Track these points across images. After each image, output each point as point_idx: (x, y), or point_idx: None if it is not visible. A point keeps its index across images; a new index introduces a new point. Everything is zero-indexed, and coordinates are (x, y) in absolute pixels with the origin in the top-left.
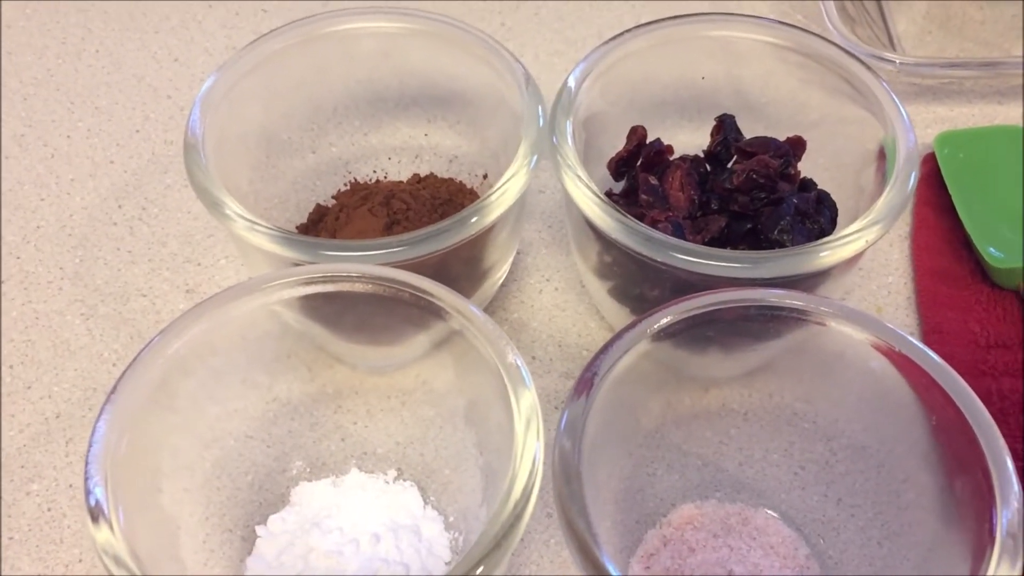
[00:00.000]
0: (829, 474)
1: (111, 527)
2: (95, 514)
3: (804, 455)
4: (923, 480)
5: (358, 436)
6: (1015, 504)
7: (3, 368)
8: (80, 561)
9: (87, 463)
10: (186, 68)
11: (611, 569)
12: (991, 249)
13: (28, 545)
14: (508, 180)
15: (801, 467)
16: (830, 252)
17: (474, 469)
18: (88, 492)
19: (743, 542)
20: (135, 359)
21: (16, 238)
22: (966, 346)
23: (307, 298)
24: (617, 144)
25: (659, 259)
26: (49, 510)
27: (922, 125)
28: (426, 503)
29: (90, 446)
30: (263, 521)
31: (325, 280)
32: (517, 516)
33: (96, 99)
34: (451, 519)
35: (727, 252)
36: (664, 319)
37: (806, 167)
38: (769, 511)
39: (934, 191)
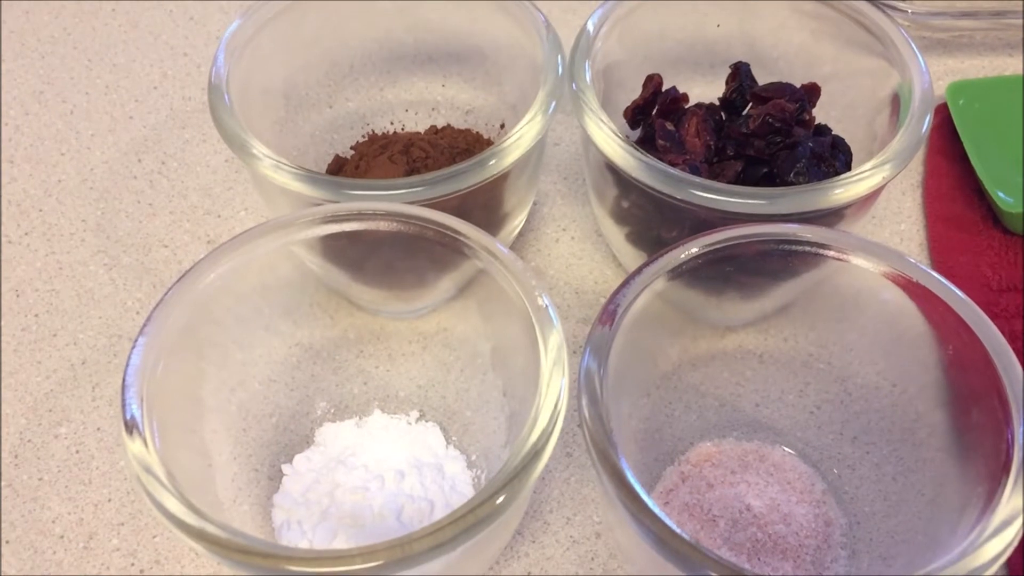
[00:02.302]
0: (844, 413)
1: (145, 442)
2: (130, 427)
3: (820, 395)
4: (937, 417)
5: (380, 379)
6: None
7: (29, 316)
8: (109, 501)
9: (124, 382)
10: (202, 26)
11: (630, 476)
12: (1002, 194)
13: (57, 486)
14: (526, 124)
15: (817, 407)
16: (844, 189)
17: (496, 412)
18: (124, 406)
19: (760, 478)
20: (167, 293)
21: (38, 192)
22: (978, 290)
23: (330, 240)
24: (633, 98)
25: (678, 196)
26: (77, 452)
27: (933, 77)
28: (448, 443)
29: (127, 368)
30: (289, 461)
31: (348, 218)
32: (541, 447)
33: (113, 57)
34: (473, 458)
35: (744, 188)
36: (684, 253)
37: (820, 119)
38: (786, 448)
39: (946, 140)
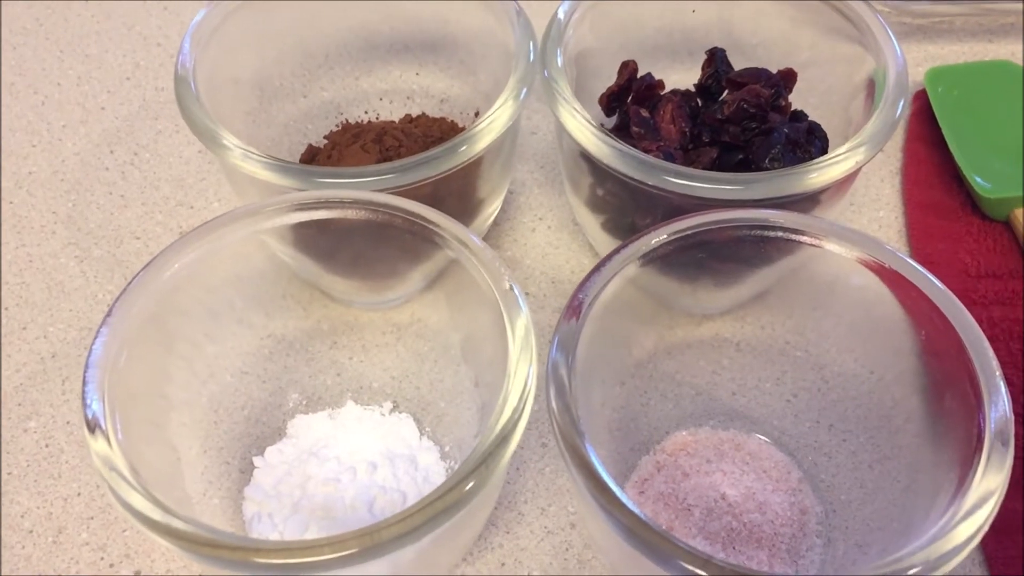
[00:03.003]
0: (821, 401)
1: (107, 439)
2: (92, 425)
3: (796, 384)
4: (913, 404)
5: (353, 371)
6: (1003, 406)
7: None
8: (79, 495)
9: (85, 377)
10: (175, 16)
11: (598, 467)
12: (980, 180)
13: (27, 480)
14: (497, 110)
15: (793, 395)
16: (819, 173)
17: (469, 403)
18: (85, 403)
19: (736, 467)
20: (131, 282)
21: (9, 183)
22: (957, 276)
23: (300, 229)
24: (608, 85)
25: (651, 182)
26: (47, 446)
27: (913, 63)
28: (422, 434)
29: (88, 360)
30: (261, 453)
31: (317, 205)
32: (509, 432)
33: (86, 47)
34: (447, 449)
35: (718, 174)
36: (654, 239)
37: (796, 106)
38: (762, 437)
39: (925, 127)
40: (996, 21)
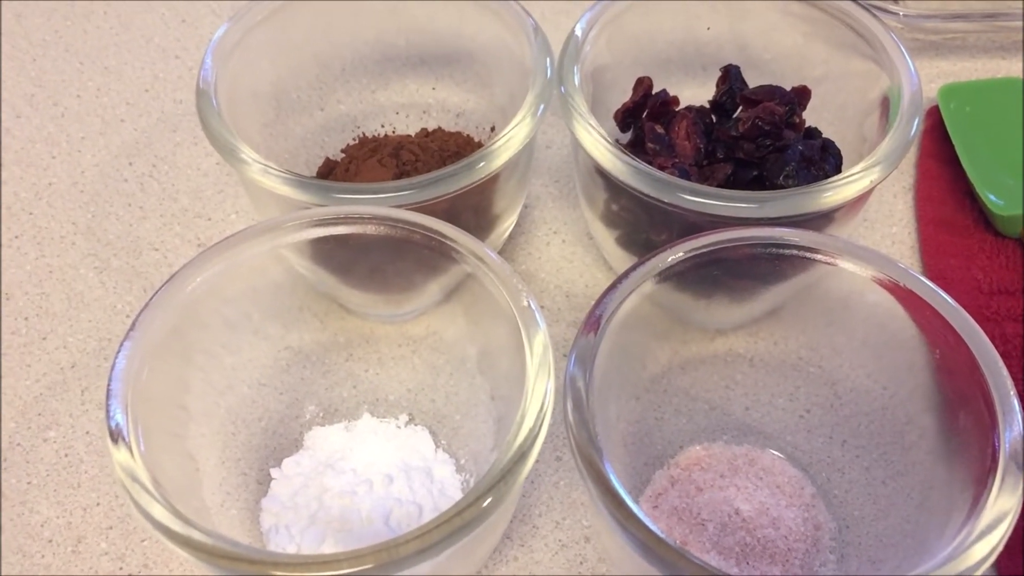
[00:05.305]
0: (834, 417)
1: (130, 450)
2: (115, 435)
3: (810, 399)
4: (926, 421)
5: (370, 383)
6: (1018, 427)
7: (19, 320)
8: (98, 505)
9: (108, 389)
10: (193, 29)
11: (615, 482)
12: (992, 196)
13: (46, 489)
14: (514, 127)
15: (807, 410)
16: (834, 192)
17: (485, 415)
18: (109, 414)
19: (750, 482)
20: (154, 296)
21: (29, 195)
22: (969, 293)
23: (319, 244)
24: (623, 100)
25: (666, 200)
26: (66, 456)
27: (925, 80)
28: (437, 447)
29: (111, 373)
30: (278, 464)
31: (336, 221)
32: (527, 449)
33: (105, 59)
34: (462, 462)
35: (733, 192)
36: (671, 257)
37: (810, 122)
38: (775, 452)
39: (938, 144)
40: (1009, 38)
